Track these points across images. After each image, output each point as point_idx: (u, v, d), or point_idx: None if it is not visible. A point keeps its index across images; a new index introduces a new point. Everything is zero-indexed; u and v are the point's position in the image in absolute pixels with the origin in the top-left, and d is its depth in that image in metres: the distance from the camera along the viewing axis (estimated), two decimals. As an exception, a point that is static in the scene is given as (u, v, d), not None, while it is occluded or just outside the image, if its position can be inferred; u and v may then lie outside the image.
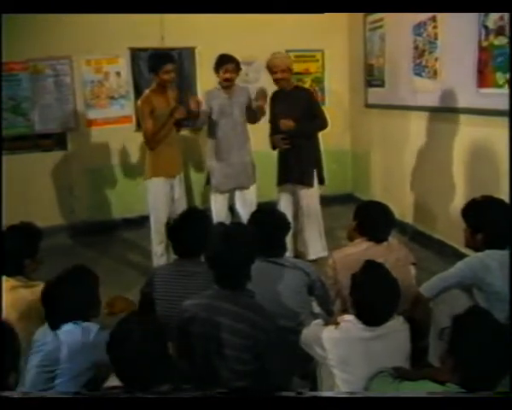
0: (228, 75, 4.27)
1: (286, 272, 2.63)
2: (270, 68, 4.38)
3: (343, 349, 2.14)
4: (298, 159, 4.36)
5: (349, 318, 2.20)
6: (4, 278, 2.49)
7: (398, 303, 2.16)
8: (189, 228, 2.69)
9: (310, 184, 4.42)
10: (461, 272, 2.46)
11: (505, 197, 2.56)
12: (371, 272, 2.19)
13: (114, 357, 1.74)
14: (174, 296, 2.50)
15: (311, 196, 4.47)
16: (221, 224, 2.45)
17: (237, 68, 4.34)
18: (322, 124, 4.41)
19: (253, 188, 4.54)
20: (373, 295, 2.10)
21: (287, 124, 4.27)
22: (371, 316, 2.13)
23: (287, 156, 4.41)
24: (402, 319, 2.22)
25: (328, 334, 2.20)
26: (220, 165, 4.38)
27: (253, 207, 4.27)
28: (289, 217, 3.86)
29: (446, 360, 1.73)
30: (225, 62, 4.28)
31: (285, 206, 4.46)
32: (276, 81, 4.38)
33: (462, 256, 3.37)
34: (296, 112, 4.29)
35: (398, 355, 2.14)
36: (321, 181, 4.53)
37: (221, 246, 2.18)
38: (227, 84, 4.30)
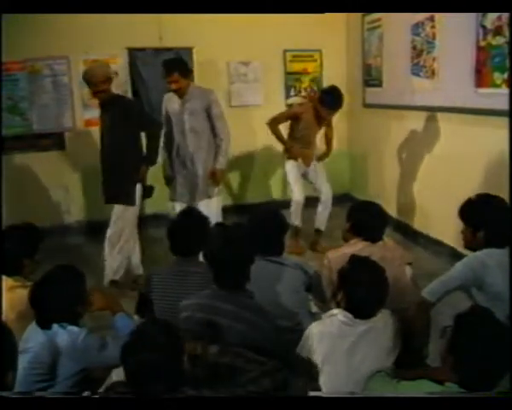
0: (173, 86, 4.00)
1: (285, 270, 2.63)
2: (88, 81, 3.96)
3: (326, 345, 2.16)
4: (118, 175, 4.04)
5: (335, 311, 2.22)
6: (3, 277, 2.48)
7: (386, 295, 2.19)
8: (188, 227, 2.69)
9: (128, 202, 4.05)
10: (462, 275, 2.41)
11: (505, 197, 2.55)
12: (359, 264, 2.25)
13: (128, 365, 1.67)
14: (172, 296, 2.49)
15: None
16: (220, 224, 2.45)
17: (183, 75, 4.02)
18: (157, 129, 4.12)
19: (216, 199, 4.31)
20: (363, 288, 2.14)
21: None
22: (361, 308, 2.16)
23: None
24: (388, 312, 2.24)
25: (315, 329, 2.23)
26: (175, 175, 4.20)
27: (219, 219, 4.12)
28: None
29: (446, 358, 1.73)
30: (167, 72, 3.99)
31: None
32: (96, 94, 4.00)
33: (459, 255, 3.37)
34: (118, 124, 3.98)
35: (381, 352, 2.14)
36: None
37: (220, 246, 2.19)
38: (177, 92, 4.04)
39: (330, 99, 4.66)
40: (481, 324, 1.70)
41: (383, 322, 2.20)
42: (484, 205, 2.52)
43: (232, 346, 2.06)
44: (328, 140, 5.15)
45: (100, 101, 4.08)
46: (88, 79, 3.97)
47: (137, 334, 1.72)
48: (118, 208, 4.11)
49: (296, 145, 4.87)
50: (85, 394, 1.70)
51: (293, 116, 4.89)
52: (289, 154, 4.91)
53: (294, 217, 4.87)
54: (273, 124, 4.85)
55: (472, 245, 2.55)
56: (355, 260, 2.28)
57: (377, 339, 2.15)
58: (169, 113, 4.14)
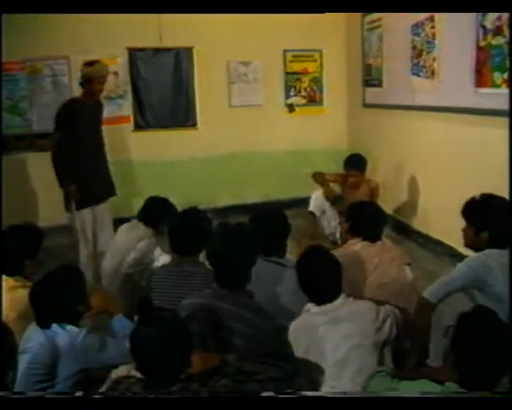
0: None
1: (286, 271, 2.62)
2: (95, 77, 3.94)
3: (304, 339, 2.20)
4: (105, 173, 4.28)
5: (308, 306, 2.27)
6: (4, 277, 2.48)
7: (339, 281, 2.23)
8: (188, 227, 2.70)
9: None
10: (464, 276, 2.39)
11: (504, 197, 2.54)
12: (308, 254, 2.36)
13: (137, 354, 1.73)
14: (172, 296, 2.49)
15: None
16: (223, 224, 2.46)
17: None
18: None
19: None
20: (311, 274, 2.23)
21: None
22: (316, 294, 2.22)
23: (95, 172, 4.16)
24: (365, 301, 2.28)
25: (291, 328, 2.27)
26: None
27: None
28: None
29: (448, 357, 1.73)
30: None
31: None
32: (96, 92, 4.05)
33: (458, 256, 3.38)
34: (100, 123, 4.20)
35: (359, 336, 2.15)
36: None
37: (223, 245, 2.19)
38: None
39: (353, 162, 4.67)
40: (484, 323, 1.70)
41: (356, 308, 2.21)
42: (489, 206, 2.49)
43: (242, 352, 2.07)
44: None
45: (94, 98, 4.07)
46: (95, 72, 3.92)
47: (148, 324, 1.76)
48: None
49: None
50: (78, 394, 1.72)
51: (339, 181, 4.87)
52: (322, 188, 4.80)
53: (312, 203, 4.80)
54: (320, 177, 4.78)
55: (473, 244, 2.54)
56: (306, 251, 2.38)
57: (349, 324, 2.16)
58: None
